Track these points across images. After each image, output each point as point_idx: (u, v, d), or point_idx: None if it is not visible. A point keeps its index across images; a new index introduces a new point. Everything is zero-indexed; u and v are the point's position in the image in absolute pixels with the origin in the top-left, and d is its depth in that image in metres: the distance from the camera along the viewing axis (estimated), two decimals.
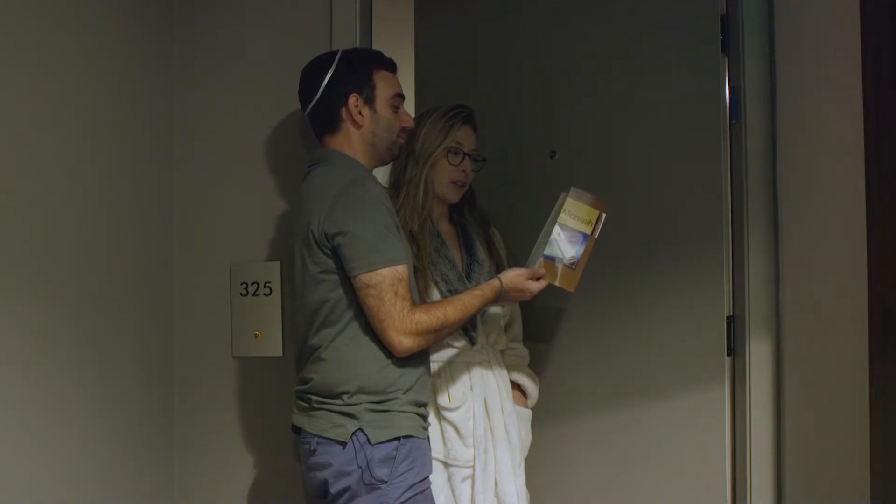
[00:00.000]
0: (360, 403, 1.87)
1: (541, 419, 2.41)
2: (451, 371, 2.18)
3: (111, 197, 2.18)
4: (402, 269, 1.87)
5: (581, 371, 2.47)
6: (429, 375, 2.00)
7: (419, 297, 2.08)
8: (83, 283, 2.05)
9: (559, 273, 2.02)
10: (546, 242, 2.00)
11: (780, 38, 2.30)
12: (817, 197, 2.25)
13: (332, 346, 1.91)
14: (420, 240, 2.17)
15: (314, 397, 1.92)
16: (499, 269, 2.28)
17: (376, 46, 2.55)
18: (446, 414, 2.15)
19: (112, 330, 2.17)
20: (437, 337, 1.92)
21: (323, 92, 2.02)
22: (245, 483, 2.39)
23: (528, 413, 2.33)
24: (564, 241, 2.01)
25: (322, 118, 2.04)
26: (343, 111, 2.01)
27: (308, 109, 2.06)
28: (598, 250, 2.48)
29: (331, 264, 1.88)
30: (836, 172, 2.21)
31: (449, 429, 2.15)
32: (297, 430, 1.98)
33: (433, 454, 2.07)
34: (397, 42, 3.14)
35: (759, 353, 2.30)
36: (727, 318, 2.32)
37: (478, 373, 2.20)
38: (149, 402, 2.36)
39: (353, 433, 1.85)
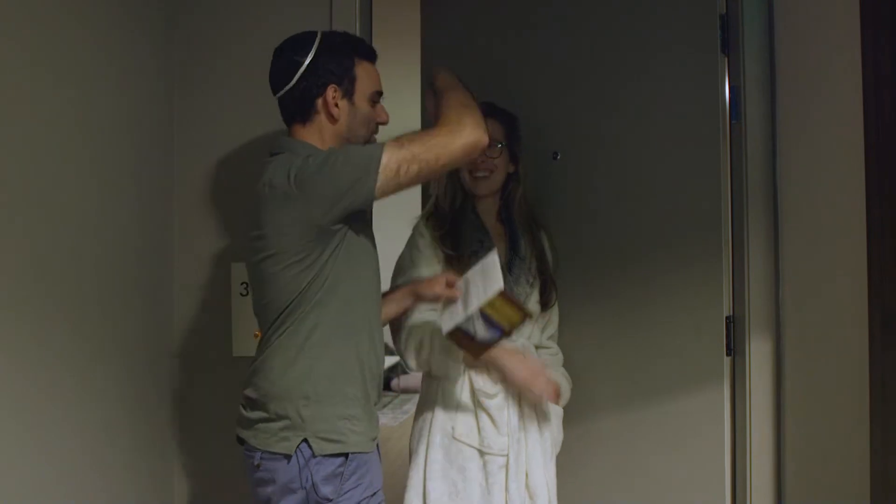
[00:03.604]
0: (306, 415, 1.80)
1: None
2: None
3: (111, 197, 2.18)
4: (381, 153, 1.76)
5: (581, 371, 2.47)
6: (380, 380, 1.94)
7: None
8: (83, 284, 2.05)
9: (464, 343, 2.01)
10: (466, 317, 1.95)
11: (780, 38, 2.30)
12: (817, 197, 2.25)
13: (281, 353, 1.83)
14: (454, 229, 2.23)
15: (258, 410, 1.85)
16: (541, 266, 2.33)
17: (377, 46, 2.56)
18: (484, 401, 2.17)
19: (112, 330, 2.17)
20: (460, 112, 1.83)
21: (299, 78, 1.87)
22: (245, 483, 2.39)
23: (560, 411, 2.34)
24: (481, 325, 1.97)
25: (294, 106, 1.90)
26: (318, 102, 1.88)
27: (280, 94, 1.91)
28: (599, 250, 2.49)
29: (296, 246, 1.78)
30: (836, 172, 2.21)
31: (484, 417, 2.17)
32: (241, 441, 1.91)
33: (468, 441, 2.13)
34: (398, 42, 3.15)
35: (759, 353, 2.30)
36: (727, 318, 2.32)
37: None
38: (149, 402, 2.36)
39: (298, 446, 1.79)
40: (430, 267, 2.22)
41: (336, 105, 1.89)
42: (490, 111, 2.25)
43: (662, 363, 2.38)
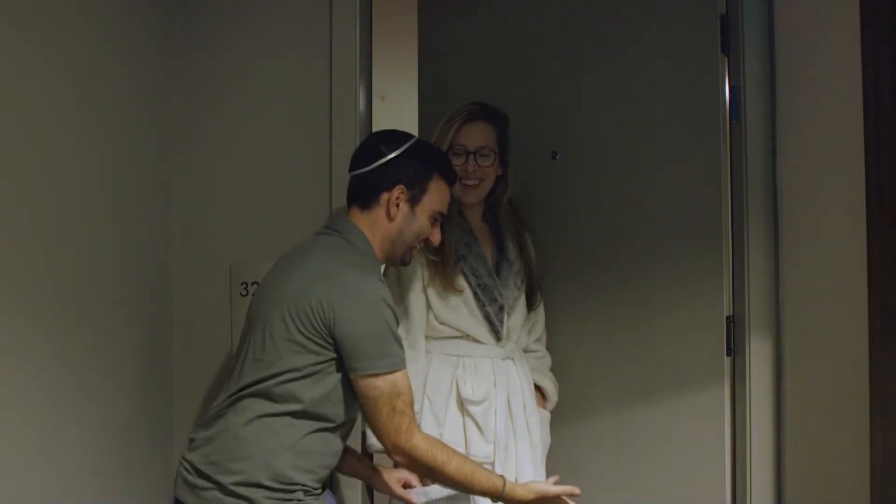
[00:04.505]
0: (260, 489, 1.78)
1: None
2: (477, 366, 2.19)
3: (110, 197, 2.18)
4: (400, 379, 1.80)
5: (581, 371, 2.47)
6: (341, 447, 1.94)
7: (443, 287, 2.15)
8: (82, 284, 2.05)
9: None
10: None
11: (780, 38, 2.30)
12: (817, 197, 2.25)
13: (258, 421, 1.82)
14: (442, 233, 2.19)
15: (209, 469, 1.83)
16: (527, 271, 2.31)
17: (376, 46, 2.56)
18: (469, 407, 2.15)
19: (111, 330, 2.17)
20: (427, 474, 1.87)
21: (377, 167, 1.92)
22: None
23: (547, 415, 2.33)
24: None
25: (361, 189, 1.94)
26: (383, 195, 1.91)
27: (354, 174, 1.97)
28: (599, 251, 2.49)
29: (329, 354, 1.81)
30: (836, 172, 2.21)
31: (470, 424, 2.16)
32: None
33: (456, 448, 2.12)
34: (397, 42, 3.15)
35: (759, 353, 2.30)
36: (727, 318, 2.32)
37: (502, 370, 2.21)
38: (149, 402, 2.36)
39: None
40: (415, 279, 2.18)
41: (397, 205, 1.92)
42: (481, 113, 2.24)
43: (663, 363, 2.38)
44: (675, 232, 2.38)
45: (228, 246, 2.45)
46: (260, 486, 1.79)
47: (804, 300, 2.26)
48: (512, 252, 2.30)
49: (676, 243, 2.37)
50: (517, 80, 2.57)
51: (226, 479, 1.80)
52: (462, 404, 2.16)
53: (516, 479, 2.14)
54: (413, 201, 1.93)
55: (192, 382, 2.46)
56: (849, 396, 2.16)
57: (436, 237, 1.99)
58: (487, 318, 2.20)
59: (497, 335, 2.21)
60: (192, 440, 1.92)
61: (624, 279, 2.44)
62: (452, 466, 1.84)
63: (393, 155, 1.92)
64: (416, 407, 2.09)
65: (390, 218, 1.92)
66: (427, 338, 2.21)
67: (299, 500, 1.82)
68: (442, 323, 2.20)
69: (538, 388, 2.33)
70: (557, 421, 2.38)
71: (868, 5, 2.13)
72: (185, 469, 1.89)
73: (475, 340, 2.20)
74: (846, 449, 2.16)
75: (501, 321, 2.21)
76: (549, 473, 2.25)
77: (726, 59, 2.34)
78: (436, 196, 1.96)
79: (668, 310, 2.37)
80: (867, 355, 2.12)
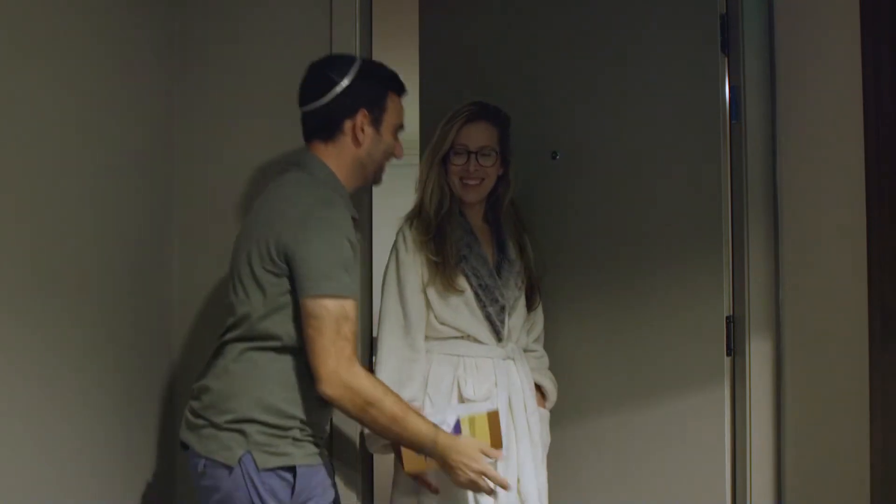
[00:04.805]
0: (253, 424, 1.78)
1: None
2: (478, 365, 2.19)
3: (110, 197, 2.18)
4: (349, 306, 1.78)
5: (581, 371, 2.47)
6: (331, 407, 1.88)
7: (444, 287, 2.14)
8: (82, 284, 2.05)
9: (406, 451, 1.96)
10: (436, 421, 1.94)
11: (780, 38, 2.30)
12: (817, 197, 2.25)
13: (243, 358, 1.84)
14: (440, 235, 2.18)
15: (205, 412, 1.84)
16: (527, 271, 2.31)
17: (376, 46, 2.56)
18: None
19: (112, 330, 2.17)
20: (360, 410, 1.77)
21: (333, 97, 1.91)
22: None
23: (546, 414, 2.33)
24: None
25: (320, 122, 1.94)
26: (347, 123, 1.92)
27: (308, 108, 1.96)
28: (599, 250, 2.49)
29: (285, 284, 1.80)
30: (836, 172, 2.21)
31: None
32: (185, 445, 1.89)
33: None
34: (397, 42, 3.14)
35: (759, 353, 2.30)
36: (727, 318, 2.32)
37: (503, 370, 2.20)
38: (149, 402, 2.36)
39: (241, 457, 1.77)
40: (415, 278, 2.18)
41: (363, 130, 1.93)
42: (482, 113, 2.23)
43: (662, 363, 2.37)
44: (675, 232, 2.38)
45: (228, 246, 2.44)
46: (253, 420, 1.79)
47: (804, 300, 2.26)
48: (513, 252, 2.30)
49: (676, 243, 2.37)
50: (517, 80, 2.57)
51: (220, 419, 1.82)
52: (462, 403, 2.15)
53: (518, 479, 2.14)
54: (376, 122, 1.95)
55: (191, 382, 2.46)
56: (849, 396, 2.16)
57: (399, 150, 2.02)
58: (489, 318, 2.20)
59: (498, 335, 2.21)
60: (192, 390, 1.95)
61: (623, 279, 2.43)
62: (389, 402, 1.78)
63: (348, 81, 1.92)
64: (417, 405, 2.09)
65: (358, 143, 1.93)
66: (427, 338, 2.20)
67: (296, 440, 1.81)
68: (442, 323, 2.19)
69: (538, 388, 2.33)
70: (557, 421, 2.38)
71: (868, 5, 2.13)
72: (188, 412, 1.92)
73: (476, 341, 2.20)
74: (846, 449, 2.16)
75: (503, 321, 2.21)
76: (550, 472, 2.25)
77: (726, 59, 2.34)
78: (394, 112, 1.98)
79: (668, 310, 2.37)
80: (867, 355, 2.12)
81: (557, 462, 2.32)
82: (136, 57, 2.31)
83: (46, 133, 1.93)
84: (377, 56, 2.48)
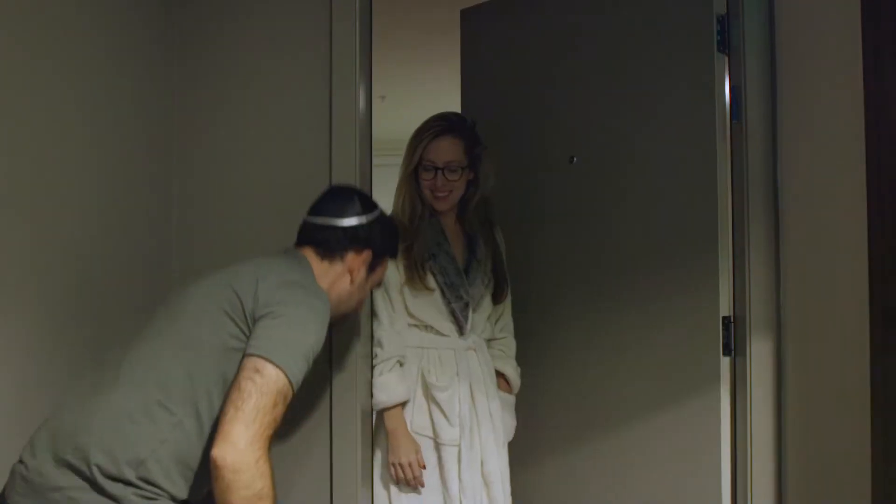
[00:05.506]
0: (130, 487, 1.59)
1: (536, 418, 2.42)
2: (440, 356, 2.33)
3: (110, 198, 2.19)
4: (289, 395, 1.61)
5: (580, 371, 2.47)
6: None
7: (415, 287, 2.24)
8: (82, 284, 2.06)
9: None
10: None
11: (780, 38, 2.30)
12: (817, 197, 2.25)
13: (153, 410, 1.64)
14: (411, 232, 2.30)
15: (98, 470, 1.60)
16: (495, 263, 2.41)
17: (376, 45, 2.56)
18: (435, 393, 2.28)
19: (111, 330, 2.17)
20: (229, 489, 1.50)
21: (356, 224, 1.87)
22: None
23: (511, 399, 2.47)
24: None
25: (330, 238, 1.87)
26: (350, 254, 1.88)
27: (320, 220, 1.89)
28: (598, 250, 2.49)
29: (242, 340, 1.66)
30: (836, 172, 2.20)
31: (436, 409, 2.29)
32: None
33: (424, 433, 2.25)
34: (397, 43, 3.14)
35: (759, 353, 2.29)
36: (724, 318, 2.32)
37: (464, 360, 2.34)
38: None
39: None
40: (396, 280, 2.30)
41: (359, 269, 1.91)
42: (447, 128, 2.33)
43: (660, 363, 2.38)
44: (674, 232, 2.38)
45: (228, 246, 2.45)
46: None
47: (804, 300, 2.26)
48: (482, 251, 2.41)
49: (676, 243, 2.37)
50: (535, 88, 2.59)
51: None
52: (428, 393, 2.29)
53: (482, 461, 2.28)
54: (370, 270, 1.93)
55: None
56: (849, 396, 2.15)
57: (359, 308, 2.06)
58: (453, 313, 2.33)
59: (461, 330, 2.35)
60: None
61: (622, 279, 2.44)
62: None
63: (371, 219, 1.90)
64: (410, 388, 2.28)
65: (351, 279, 1.89)
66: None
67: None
68: (411, 315, 2.33)
69: (501, 376, 2.46)
70: (556, 422, 2.39)
71: (868, 5, 2.13)
72: None
73: (439, 333, 2.33)
74: (847, 449, 2.16)
75: (466, 317, 2.35)
76: (549, 473, 2.27)
77: (726, 59, 2.34)
78: (382, 272, 2.01)
79: (667, 310, 2.37)
80: (867, 355, 2.11)
81: (556, 463, 2.32)
82: (135, 56, 2.31)
83: (46, 133, 1.94)
84: (377, 56, 2.49)
